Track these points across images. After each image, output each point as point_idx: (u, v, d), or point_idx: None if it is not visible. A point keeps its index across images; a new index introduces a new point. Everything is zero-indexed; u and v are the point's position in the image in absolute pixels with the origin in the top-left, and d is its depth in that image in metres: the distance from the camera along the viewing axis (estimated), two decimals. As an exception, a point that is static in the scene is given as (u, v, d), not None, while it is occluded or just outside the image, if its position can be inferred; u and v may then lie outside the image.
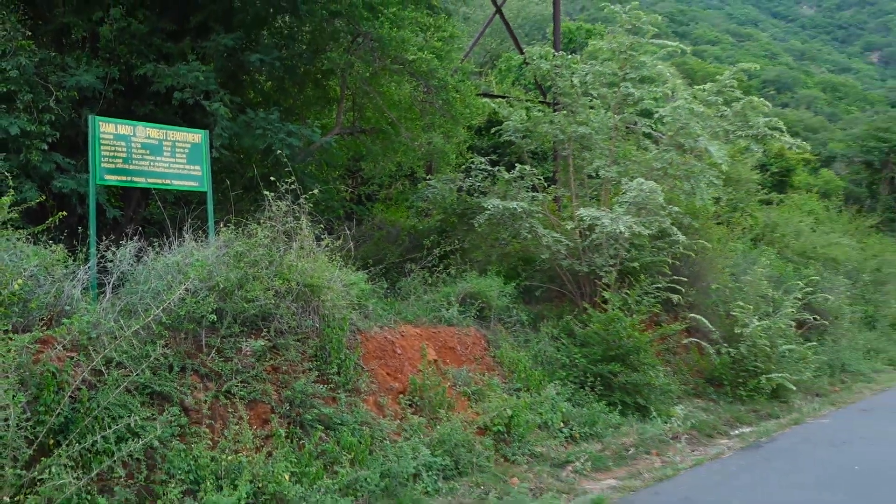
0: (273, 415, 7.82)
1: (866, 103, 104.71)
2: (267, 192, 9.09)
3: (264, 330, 8.26)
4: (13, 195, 7.12)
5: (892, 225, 50.70)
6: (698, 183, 14.77)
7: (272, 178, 9.34)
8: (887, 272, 27.68)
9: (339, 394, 8.53)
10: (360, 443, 8.08)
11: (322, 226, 10.11)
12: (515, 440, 9.93)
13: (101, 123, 8.49)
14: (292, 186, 9.15)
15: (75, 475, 5.76)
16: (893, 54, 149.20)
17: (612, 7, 15.37)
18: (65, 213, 8.18)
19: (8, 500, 5.43)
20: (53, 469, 5.61)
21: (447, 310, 11.64)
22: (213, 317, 7.60)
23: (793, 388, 14.48)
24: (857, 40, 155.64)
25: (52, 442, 5.95)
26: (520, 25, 36.23)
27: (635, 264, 13.98)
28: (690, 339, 14.97)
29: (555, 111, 16.04)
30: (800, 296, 16.39)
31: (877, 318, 24.36)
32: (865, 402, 15.21)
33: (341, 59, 13.19)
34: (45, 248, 7.37)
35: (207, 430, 7.14)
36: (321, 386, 8.36)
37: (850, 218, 33.33)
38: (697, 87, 16.10)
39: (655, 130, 15.54)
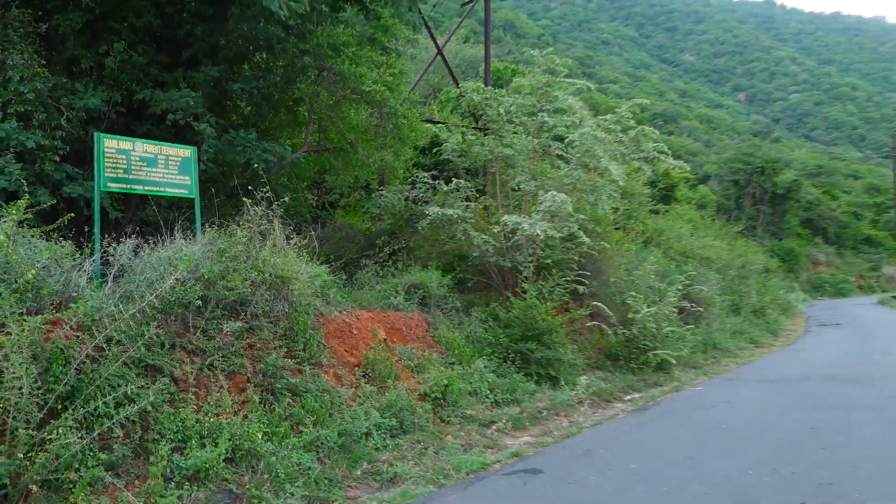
0: (249, 384, 7.76)
1: (735, 133, 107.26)
2: (246, 199, 9.00)
3: (242, 314, 8.18)
4: (28, 199, 6.99)
5: (753, 231, 52.19)
6: (600, 196, 15.00)
7: (250, 188, 9.26)
8: (749, 269, 28.41)
9: (304, 367, 8.48)
10: (322, 407, 8.04)
11: (291, 227, 10.03)
12: (450, 405, 9.97)
13: (105, 139, 8.33)
14: (267, 194, 9.08)
15: (80, 435, 5.70)
16: (756, 94, 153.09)
17: (533, 52, 15.51)
18: (73, 214, 8.06)
19: (21, 456, 5.34)
20: (61, 430, 5.54)
21: (395, 298, 11.64)
22: (199, 302, 7.56)
23: (674, 362, 14.76)
24: (727, 82, 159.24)
25: (59, 407, 5.86)
26: (457, 65, 36.27)
27: (549, 261, 14.12)
28: (593, 323, 15.15)
29: (485, 135, 16.12)
30: (680, 287, 16.70)
31: (741, 305, 24.92)
32: (731, 374, 15.55)
33: (309, 90, 13.11)
34: (56, 244, 7.24)
35: (193, 397, 7.07)
36: (289, 360, 8.33)
37: (721, 225, 34.08)
38: (600, 117, 16.29)
39: (566, 152, 15.70)
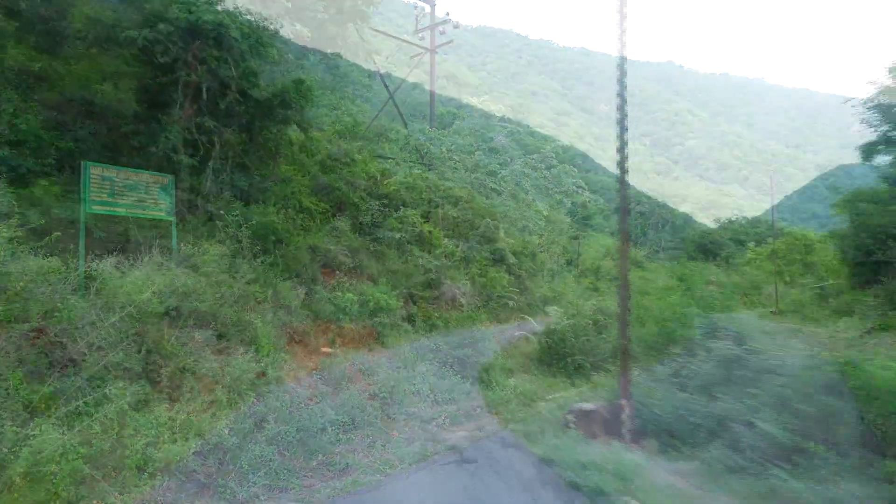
0: (217, 385, 7.61)
1: (641, 172, 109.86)
2: (218, 222, 8.88)
3: (212, 323, 8.04)
4: (19, 218, 6.78)
5: (656, 255, 53.25)
6: (527, 223, 15.22)
7: (223, 212, 9.14)
8: (650, 287, 28.99)
9: (267, 370, 8.37)
10: (283, 406, 7.95)
11: (259, 247, 9.90)
12: (396, 403, 9.92)
13: (91, 167, 8.15)
14: (237, 218, 8.98)
15: (61, 432, 5.54)
16: (659, 139, 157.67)
17: (471, 99, 15.72)
18: (59, 234, 7.81)
19: (6, 450, 5.14)
20: (44, 427, 5.37)
21: (349, 309, 11.55)
22: (174, 313, 7.41)
23: (589, 366, 14.97)
24: (635, 128, 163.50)
25: (43, 406, 5.67)
26: (406, 108, 36.39)
27: (483, 279, 14.23)
28: (521, 332, 15.28)
29: (429, 170, 16.22)
30: (594, 302, 16.99)
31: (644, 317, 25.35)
32: (637, 374, 15.74)
33: (277, 129, 13.02)
34: (44, 259, 7.02)
35: (166, 397, 6.93)
36: (254, 364, 8.21)
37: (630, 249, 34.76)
38: (528, 156, 16.60)
39: (499, 186, 15.91)
